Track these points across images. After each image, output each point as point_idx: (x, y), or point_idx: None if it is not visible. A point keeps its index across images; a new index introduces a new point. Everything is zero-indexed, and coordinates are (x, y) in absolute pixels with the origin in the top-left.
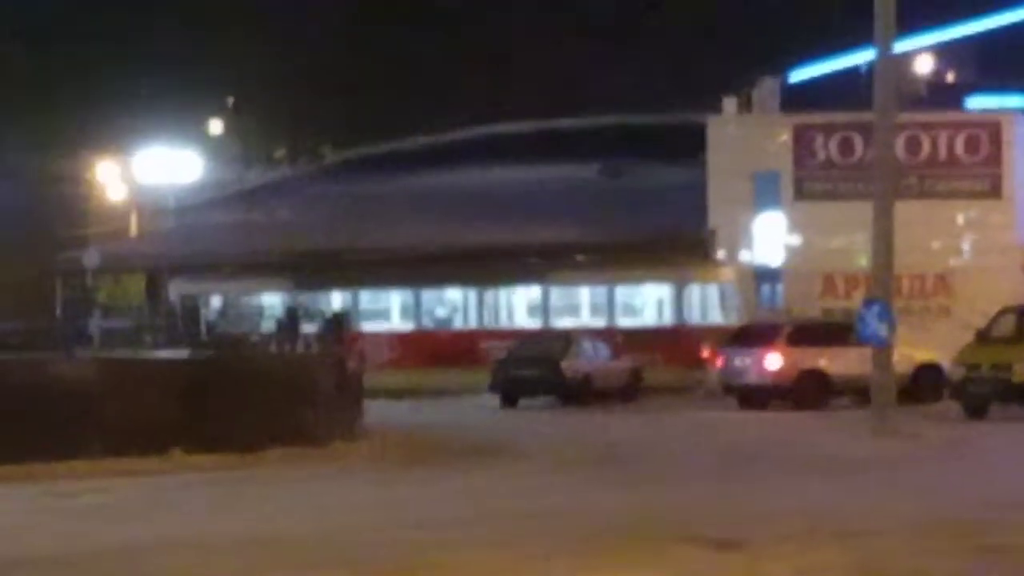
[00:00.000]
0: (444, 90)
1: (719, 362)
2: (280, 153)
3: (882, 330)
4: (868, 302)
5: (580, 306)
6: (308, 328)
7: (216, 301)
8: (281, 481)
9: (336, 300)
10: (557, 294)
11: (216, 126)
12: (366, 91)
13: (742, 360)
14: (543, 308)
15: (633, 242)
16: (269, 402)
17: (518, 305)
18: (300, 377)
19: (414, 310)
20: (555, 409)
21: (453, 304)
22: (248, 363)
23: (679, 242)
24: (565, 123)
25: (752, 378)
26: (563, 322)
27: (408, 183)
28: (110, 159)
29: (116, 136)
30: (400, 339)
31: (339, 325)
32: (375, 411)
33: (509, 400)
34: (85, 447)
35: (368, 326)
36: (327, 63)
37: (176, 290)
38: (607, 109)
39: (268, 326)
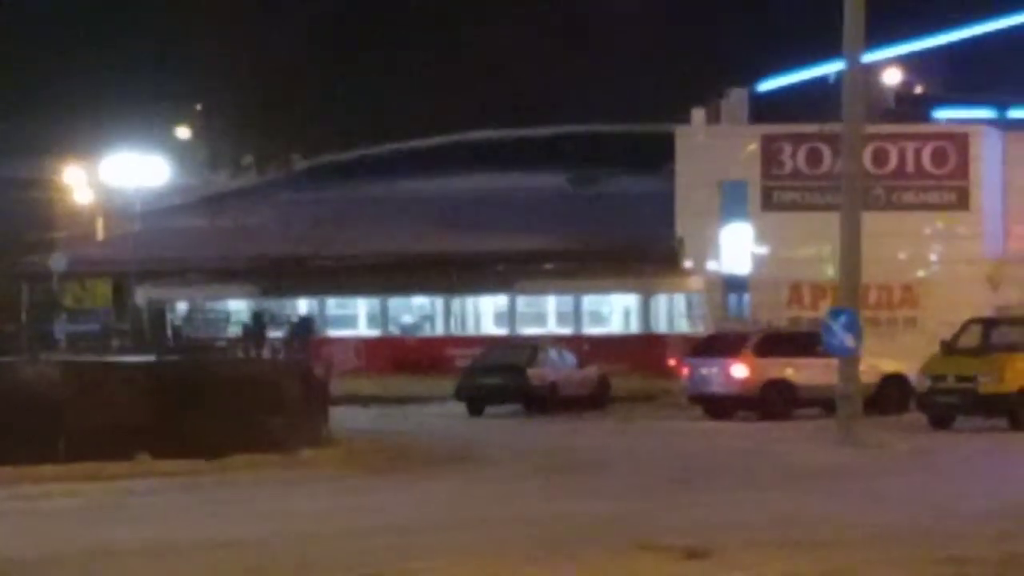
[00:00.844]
0: (414, 98)
1: (685, 371)
2: (248, 159)
3: (848, 340)
4: (835, 312)
5: (547, 314)
6: (275, 334)
7: (182, 306)
8: (247, 487)
9: (303, 306)
10: (524, 302)
11: (184, 131)
12: (335, 98)
13: (708, 369)
14: (510, 316)
15: (601, 251)
16: (235, 408)
17: (485, 313)
18: (266, 383)
19: (381, 317)
20: (521, 417)
21: (420, 311)
22: (214, 368)
23: (647, 251)
24: (534, 132)
25: (718, 387)
26: (530, 330)
27: (376, 190)
28: (77, 163)
29: (83, 140)
30: (367, 346)
31: (305, 331)
32: (342, 417)
33: (475, 408)
34: (51, 451)
35: (335, 333)
36: (296, 70)
37: (143, 295)
38: (576, 118)
39: (235, 331)
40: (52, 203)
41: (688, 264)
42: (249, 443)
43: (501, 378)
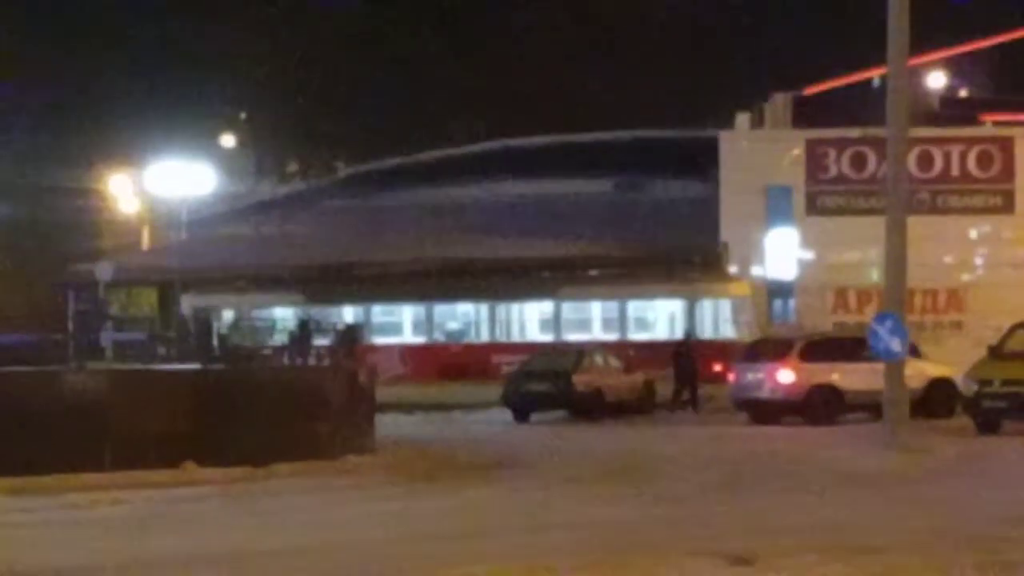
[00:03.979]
0: (459, 104)
1: (731, 377)
2: (293, 167)
3: (895, 344)
4: (880, 316)
5: (592, 320)
6: (320, 342)
7: (228, 314)
8: (293, 494)
9: (348, 314)
10: (569, 308)
11: (229, 139)
12: (380, 105)
13: (754, 375)
14: (555, 322)
15: (645, 257)
16: (281, 415)
17: (530, 319)
18: (312, 390)
19: (426, 324)
20: (567, 423)
21: (465, 318)
22: (260, 376)
23: (692, 257)
24: (579, 137)
25: (764, 393)
26: (575, 337)
27: (421, 197)
28: (123, 172)
29: (128, 149)
30: (412, 353)
31: (351, 338)
32: (387, 425)
33: (520, 414)
34: (97, 459)
35: (380, 340)
36: (341, 76)
37: (188, 303)
38: (621, 124)
39: (280, 339)
40: (98, 212)
41: (733, 269)
42: (294, 451)
43: (547, 384)
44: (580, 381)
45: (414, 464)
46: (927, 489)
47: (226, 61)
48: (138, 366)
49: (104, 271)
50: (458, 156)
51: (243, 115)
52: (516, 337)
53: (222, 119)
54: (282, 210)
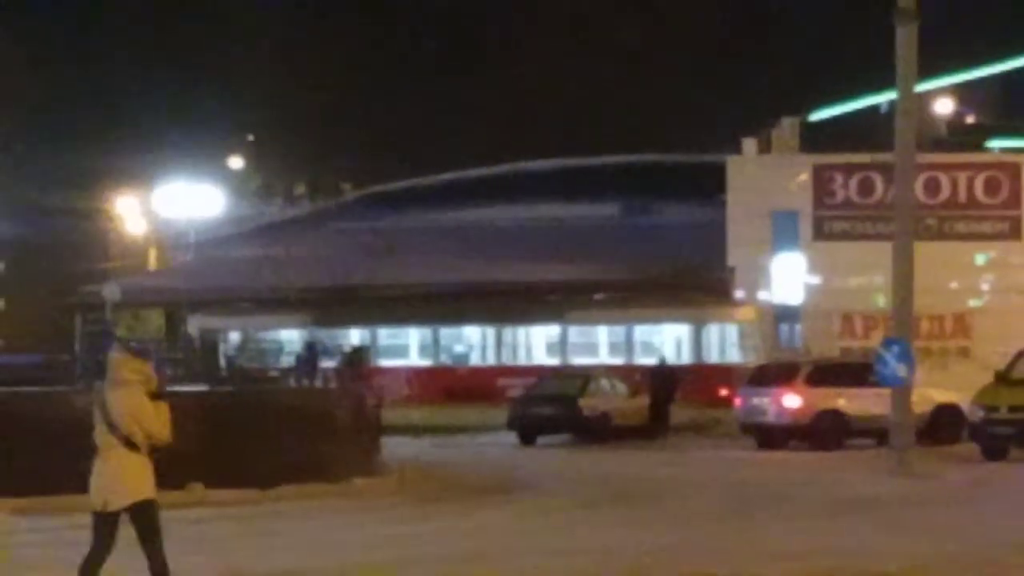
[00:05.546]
0: (467, 127)
1: (738, 401)
2: (300, 189)
3: (901, 370)
4: (888, 342)
5: (599, 344)
6: (327, 364)
7: (235, 336)
8: (300, 517)
9: (354, 336)
10: (576, 332)
11: (237, 161)
12: (387, 128)
13: (760, 399)
14: (561, 346)
15: (652, 281)
16: (288, 437)
17: (536, 343)
18: (319, 412)
19: (432, 347)
20: (573, 447)
21: (471, 341)
22: (267, 398)
23: (698, 281)
24: (588, 161)
25: (770, 418)
26: (581, 360)
27: (429, 220)
28: (130, 193)
29: (137, 171)
30: (418, 375)
31: (358, 361)
32: (394, 447)
33: (526, 438)
34: None
35: (386, 362)
36: (349, 100)
37: (195, 325)
38: (629, 148)
39: (288, 361)
40: (106, 233)
41: (739, 294)
42: (301, 473)
43: (553, 408)
44: (586, 405)
45: (421, 487)
46: (934, 515)
47: (235, 82)
48: None
49: (112, 292)
50: (467, 179)
51: (251, 137)
52: (523, 360)
53: (230, 141)
54: (289, 232)
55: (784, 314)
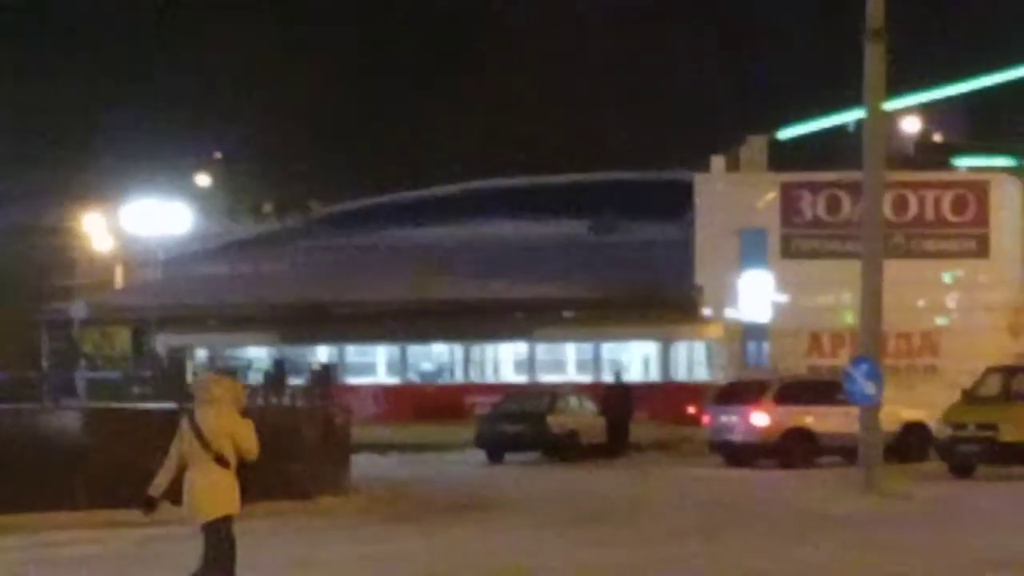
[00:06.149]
0: (435, 145)
1: (706, 419)
2: (268, 207)
3: (870, 388)
4: (856, 360)
5: (566, 362)
6: (295, 381)
7: (202, 353)
8: (266, 535)
9: (322, 354)
10: (543, 350)
11: (205, 179)
12: (354, 146)
13: (728, 417)
14: (529, 364)
15: (620, 299)
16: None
17: (504, 360)
18: (285, 430)
19: (400, 364)
20: (541, 464)
21: (439, 359)
22: None
23: (666, 299)
24: (555, 179)
25: (738, 435)
26: (549, 378)
27: (396, 237)
28: (97, 210)
29: (103, 187)
30: (386, 393)
31: (325, 378)
32: (362, 465)
33: (494, 455)
34: (71, 498)
35: (354, 380)
36: (316, 117)
37: (163, 342)
38: (596, 166)
39: (256, 379)
40: (72, 250)
41: (707, 312)
42: (269, 491)
43: (521, 426)
44: (554, 422)
45: (388, 505)
46: (903, 533)
47: (202, 99)
48: (113, 405)
49: (78, 310)
50: (434, 196)
51: (218, 154)
52: (490, 378)
53: (198, 158)
54: (257, 250)
55: (752, 332)
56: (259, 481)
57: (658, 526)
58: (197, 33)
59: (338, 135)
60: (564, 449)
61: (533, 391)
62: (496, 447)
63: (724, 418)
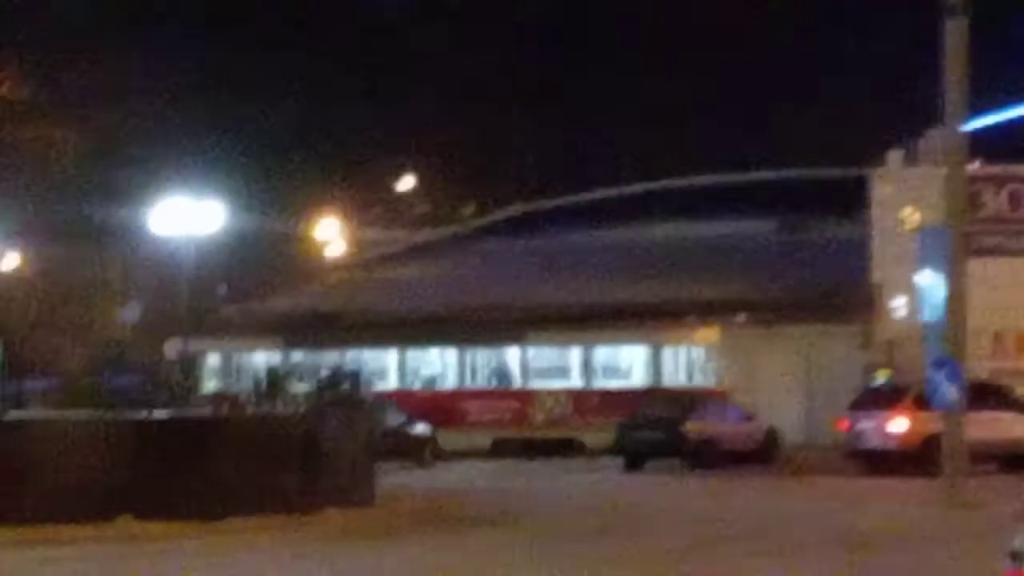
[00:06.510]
0: (623, 145)
1: (843, 426)
2: (469, 208)
3: (952, 393)
4: (937, 362)
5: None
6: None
7: (214, 359)
8: (239, 552)
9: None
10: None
11: (408, 181)
12: (549, 145)
13: (866, 424)
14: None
15: (801, 299)
16: (240, 465)
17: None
18: (279, 438)
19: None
20: (677, 474)
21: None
22: (212, 423)
23: (845, 299)
24: (738, 178)
25: (876, 443)
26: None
27: (580, 238)
28: (330, 217)
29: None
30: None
31: (336, 383)
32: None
33: (633, 463)
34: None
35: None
36: (511, 119)
37: (171, 347)
38: (775, 164)
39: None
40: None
41: (887, 311)
42: (254, 504)
43: (656, 432)
44: (691, 429)
45: (406, 517)
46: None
47: (400, 106)
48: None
49: (131, 313)
50: (619, 196)
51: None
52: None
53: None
54: (434, 253)
55: (930, 333)
56: (244, 492)
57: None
58: (403, 36)
59: (534, 134)
60: (703, 457)
61: (671, 395)
62: (634, 454)
63: (861, 425)
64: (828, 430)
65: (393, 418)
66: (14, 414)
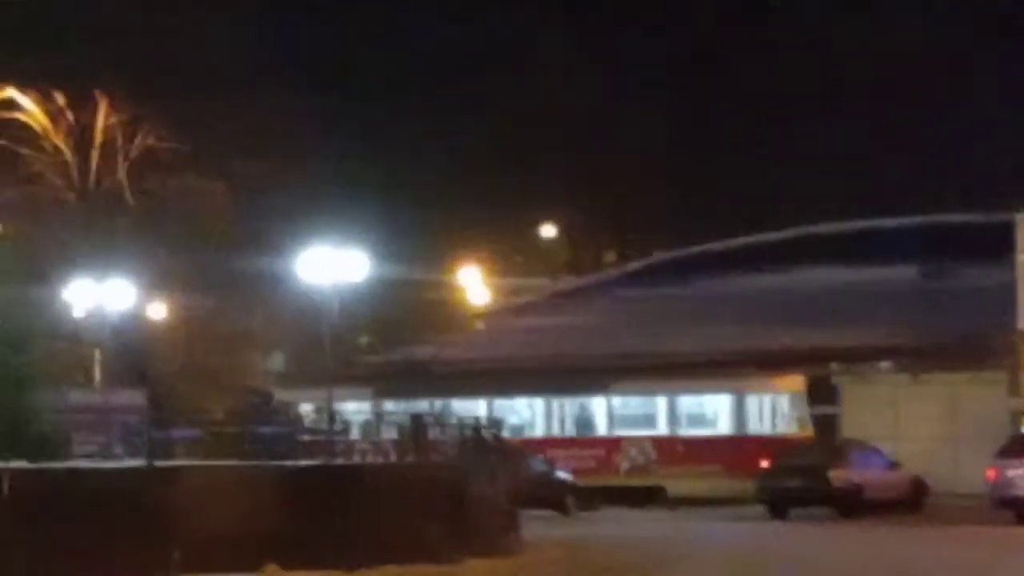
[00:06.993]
0: (765, 191)
1: (990, 474)
2: (611, 255)
3: None
4: None
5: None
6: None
7: (307, 407)
8: None
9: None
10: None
11: (549, 230)
12: (690, 193)
13: (1015, 472)
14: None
15: (939, 346)
16: (382, 515)
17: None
18: (422, 487)
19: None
20: (821, 522)
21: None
22: (360, 473)
23: (986, 346)
24: (878, 224)
25: None
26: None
27: (723, 284)
28: (472, 264)
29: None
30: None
31: (487, 434)
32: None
33: (777, 511)
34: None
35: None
36: (650, 166)
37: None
38: (920, 208)
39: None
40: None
41: None
42: (398, 553)
43: (801, 480)
44: (836, 477)
45: (545, 569)
46: None
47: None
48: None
49: (276, 362)
50: (764, 243)
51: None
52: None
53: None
54: (572, 302)
55: None
56: (387, 542)
57: None
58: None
59: (673, 182)
60: (849, 505)
61: (817, 444)
62: (777, 502)
63: (1010, 472)
64: (975, 478)
65: (536, 466)
66: (161, 463)
